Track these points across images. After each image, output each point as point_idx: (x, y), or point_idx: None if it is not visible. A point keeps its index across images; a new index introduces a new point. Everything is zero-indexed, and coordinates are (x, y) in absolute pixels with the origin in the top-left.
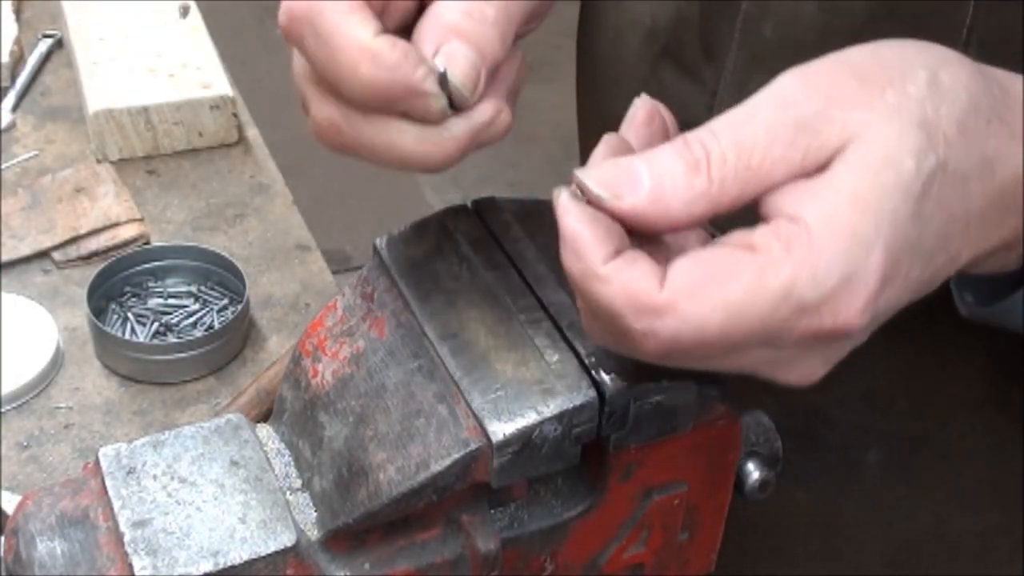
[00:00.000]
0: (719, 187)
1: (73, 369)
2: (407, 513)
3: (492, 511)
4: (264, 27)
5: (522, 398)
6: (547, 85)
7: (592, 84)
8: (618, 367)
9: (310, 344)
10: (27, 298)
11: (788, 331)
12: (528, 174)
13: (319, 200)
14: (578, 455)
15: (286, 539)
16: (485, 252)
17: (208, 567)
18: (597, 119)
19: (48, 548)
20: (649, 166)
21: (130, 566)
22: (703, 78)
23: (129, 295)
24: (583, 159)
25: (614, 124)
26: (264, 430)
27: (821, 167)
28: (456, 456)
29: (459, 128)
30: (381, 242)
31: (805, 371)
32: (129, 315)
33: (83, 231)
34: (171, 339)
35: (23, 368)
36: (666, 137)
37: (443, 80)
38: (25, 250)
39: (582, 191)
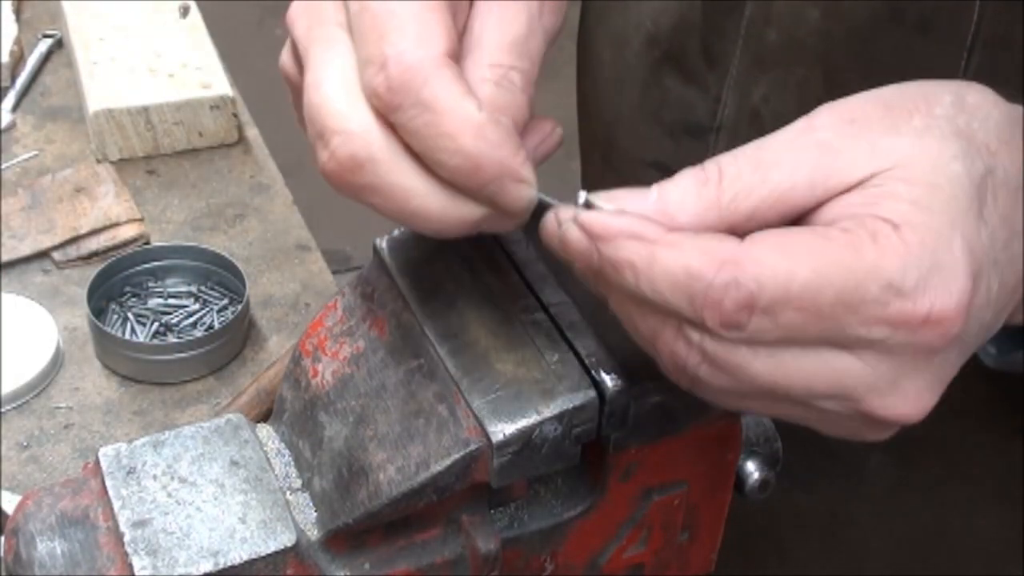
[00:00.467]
0: (730, 199)
1: (73, 369)
2: (407, 513)
3: (492, 511)
4: (264, 27)
5: (522, 398)
6: (547, 85)
7: (593, 87)
8: (618, 367)
9: (310, 344)
10: (27, 298)
11: (879, 311)
12: None
13: (319, 200)
14: (578, 455)
15: (286, 539)
16: (485, 252)
17: (208, 567)
18: (597, 121)
19: (48, 548)
20: (660, 186)
21: (130, 566)
22: (705, 83)
23: (129, 295)
24: (583, 159)
25: (614, 127)
26: (264, 430)
27: (855, 185)
28: (456, 456)
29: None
30: (381, 242)
31: (912, 394)
32: (129, 315)
33: (83, 231)
34: (171, 339)
35: (23, 368)
36: None
37: None
38: (25, 250)
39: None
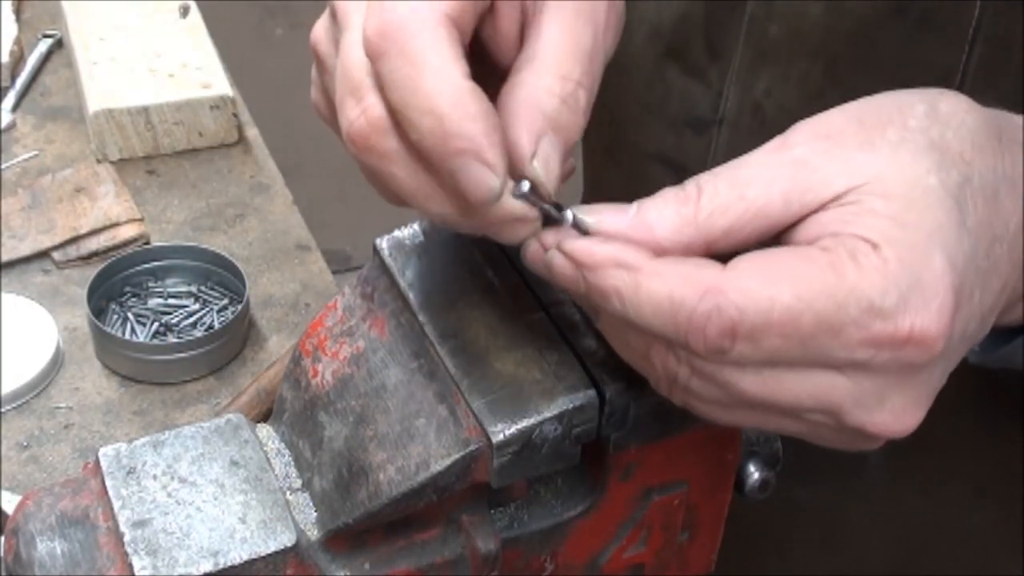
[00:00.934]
0: (708, 216)
1: (73, 369)
2: (407, 513)
3: (492, 511)
4: (264, 27)
5: (522, 398)
6: None
7: None
8: (618, 367)
9: (310, 344)
10: (27, 298)
11: (861, 333)
12: None
13: (319, 200)
14: (578, 455)
15: (286, 539)
16: (486, 252)
17: (208, 567)
18: (600, 114)
19: (48, 548)
20: (640, 202)
21: (130, 566)
22: (708, 77)
23: (129, 295)
24: (585, 153)
25: (617, 120)
26: (264, 430)
27: (830, 201)
28: (456, 456)
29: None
30: (381, 242)
31: (898, 409)
32: (129, 315)
33: (83, 231)
34: (171, 339)
35: (23, 368)
36: None
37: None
38: (25, 250)
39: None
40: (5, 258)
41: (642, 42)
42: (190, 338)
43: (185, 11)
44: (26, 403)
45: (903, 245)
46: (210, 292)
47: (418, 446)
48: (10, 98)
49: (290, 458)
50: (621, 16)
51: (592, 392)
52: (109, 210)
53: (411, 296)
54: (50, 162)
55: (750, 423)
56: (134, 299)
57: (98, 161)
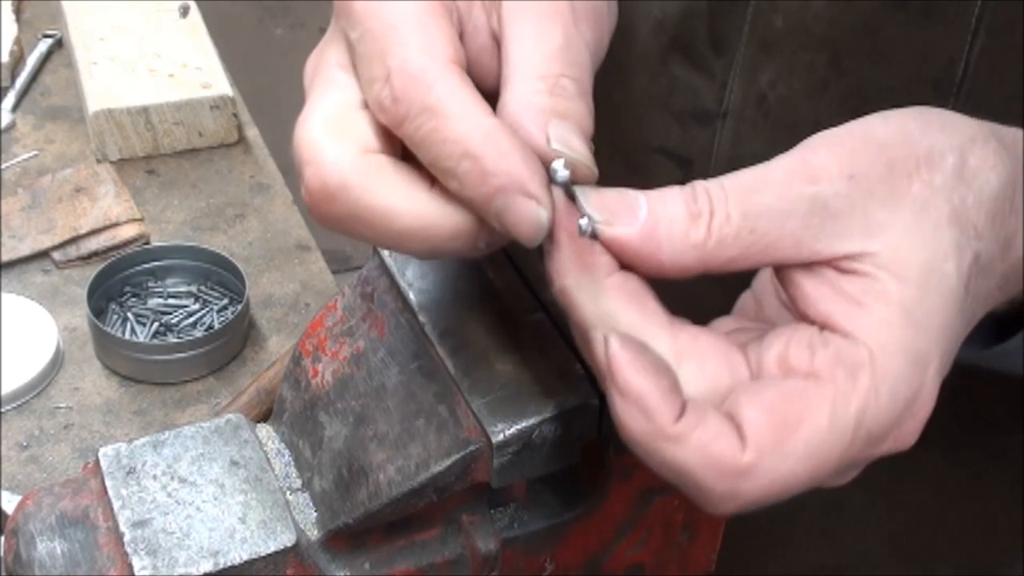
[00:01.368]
0: (716, 244)
1: (73, 369)
2: (407, 513)
3: (492, 511)
4: (264, 27)
5: (522, 398)
6: None
7: (600, 73)
8: None
9: (310, 344)
10: (27, 298)
11: (859, 461)
12: None
13: None
14: (578, 455)
15: (286, 539)
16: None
17: (208, 567)
18: (604, 107)
19: (48, 548)
20: (650, 202)
21: (130, 566)
22: (713, 70)
23: (129, 295)
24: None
25: (621, 113)
26: (264, 430)
27: (843, 259)
28: (456, 456)
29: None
30: None
31: (840, 480)
32: (129, 315)
33: (83, 231)
34: (171, 339)
35: (23, 368)
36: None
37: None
38: (25, 250)
39: (582, 215)
40: (5, 258)
41: (646, 35)
42: (190, 338)
43: (185, 11)
44: (26, 403)
45: (904, 357)
46: (210, 292)
47: (418, 446)
48: (10, 98)
49: (290, 458)
50: (602, 6)
51: (592, 392)
52: (109, 210)
53: (411, 296)
54: (50, 162)
55: None
56: (134, 299)
57: (98, 161)
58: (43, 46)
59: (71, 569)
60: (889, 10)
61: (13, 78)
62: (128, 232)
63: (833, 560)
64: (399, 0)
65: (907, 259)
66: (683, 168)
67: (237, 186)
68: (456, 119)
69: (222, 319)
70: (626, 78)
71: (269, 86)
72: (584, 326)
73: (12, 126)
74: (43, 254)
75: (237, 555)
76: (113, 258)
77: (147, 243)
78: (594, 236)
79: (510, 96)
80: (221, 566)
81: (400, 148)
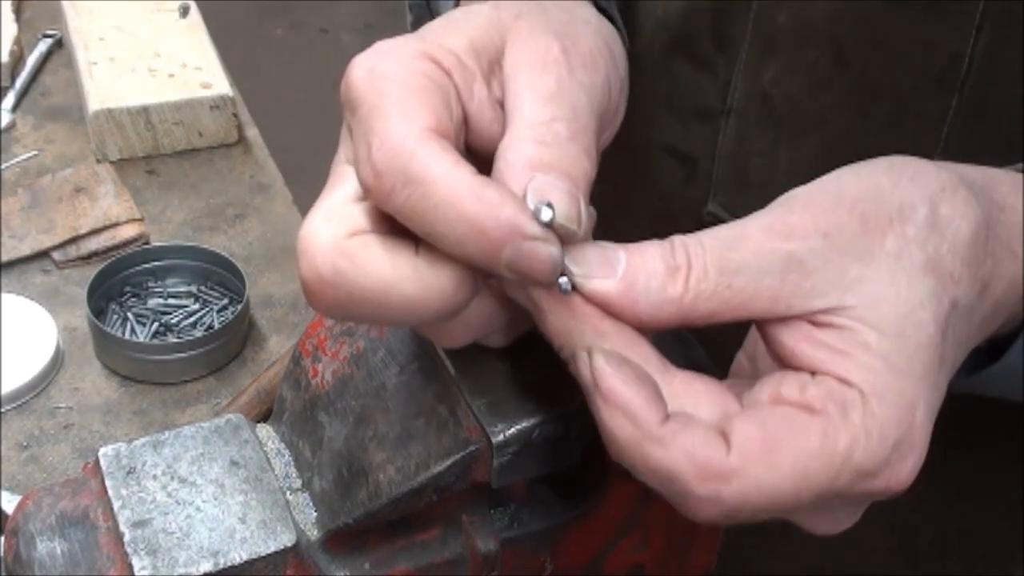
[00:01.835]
0: (693, 299)
1: (73, 369)
2: (407, 513)
3: (492, 511)
4: (264, 27)
5: (522, 398)
6: None
7: None
8: None
9: (310, 344)
10: (27, 298)
11: (846, 494)
12: None
13: None
14: (578, 455)
15: (286, 539)
16: None
17: (208, 567)
18: None
19: (48, 548)
20: (629, 257)
21: (130, 566)
22: (716, 68)
23: (129, 295)
24: None
25: (625, 112)
26: (264, 430)
27: (819, 313)
28: (456, 456)
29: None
30: None
31: (837, 523)
32: (129, 315)
33: (83, 231)
34: (171, 339)
35: (23, 368)
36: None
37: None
38: (25, 250)
39: (561, 273)
40: (5, 258)
41: (649, 34)
42: (190, 338)
43: (185, 11)
44: (26, 403)
45: (893, 397)
46: (210, 292)
47: (418, 446)
48: (10, 98)
49: (290, 458)
50: (603, 51)
51: None
52: (109, 210)
53: None
54: (50, 162)
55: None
56: (134, 299)
57: (98, 161)
58: (43, 46)
59: (71, 569)
60: (892, 6)
61: (13, 78)
62: (128, 232)
63: (833, 560)
64: (386, 83)
65: (883, 311)
66: (687, 165)
67: (237, 186)
68: (442, 182)
69: (222, 319)
70: (629, 76)
71: (269, 86)
72: (570, 348)
73: (12, 126)
74: (43, 254)
75: (237, 555)
76: (113, 258)
77: (147, 243)
78: (574, 289)
79: (500, 149)
80: (221, 566)
81: (398, 227)
